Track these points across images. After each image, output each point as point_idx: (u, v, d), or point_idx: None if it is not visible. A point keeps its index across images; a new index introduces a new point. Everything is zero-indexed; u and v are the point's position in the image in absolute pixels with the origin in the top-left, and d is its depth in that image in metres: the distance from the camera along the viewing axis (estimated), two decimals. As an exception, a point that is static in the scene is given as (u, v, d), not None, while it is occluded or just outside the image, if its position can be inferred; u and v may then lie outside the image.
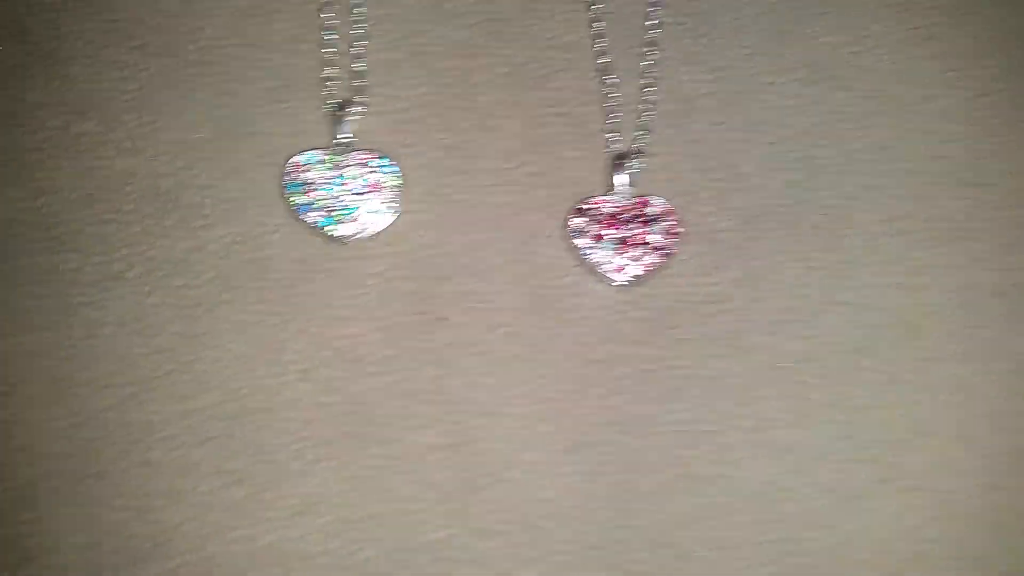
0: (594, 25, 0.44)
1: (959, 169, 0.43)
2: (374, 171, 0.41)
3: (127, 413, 0.37)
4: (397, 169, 0.41)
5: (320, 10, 0.42)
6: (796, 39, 0.44)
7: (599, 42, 0.44)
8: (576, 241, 0.41)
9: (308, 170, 0.40)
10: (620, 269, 0.41)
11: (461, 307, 0.40)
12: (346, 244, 0.40)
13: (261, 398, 0.38)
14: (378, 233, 0.40)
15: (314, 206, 0.40)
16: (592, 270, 0.41)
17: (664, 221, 0.41)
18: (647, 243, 0.41)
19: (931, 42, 0.44)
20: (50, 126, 0.40)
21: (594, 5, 0.44)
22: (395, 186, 0.41)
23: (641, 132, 0.43)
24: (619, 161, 0.42)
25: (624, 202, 0.42)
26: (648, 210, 0.41)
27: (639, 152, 0.42)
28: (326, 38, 0.42)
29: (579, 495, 0.38)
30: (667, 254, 0.41)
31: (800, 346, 0.41)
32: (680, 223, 0.41)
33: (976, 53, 0.44)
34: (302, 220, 0.40)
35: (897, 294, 0.41)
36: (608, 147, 0.42)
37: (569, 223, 0.41)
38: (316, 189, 0.40)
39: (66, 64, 0.41)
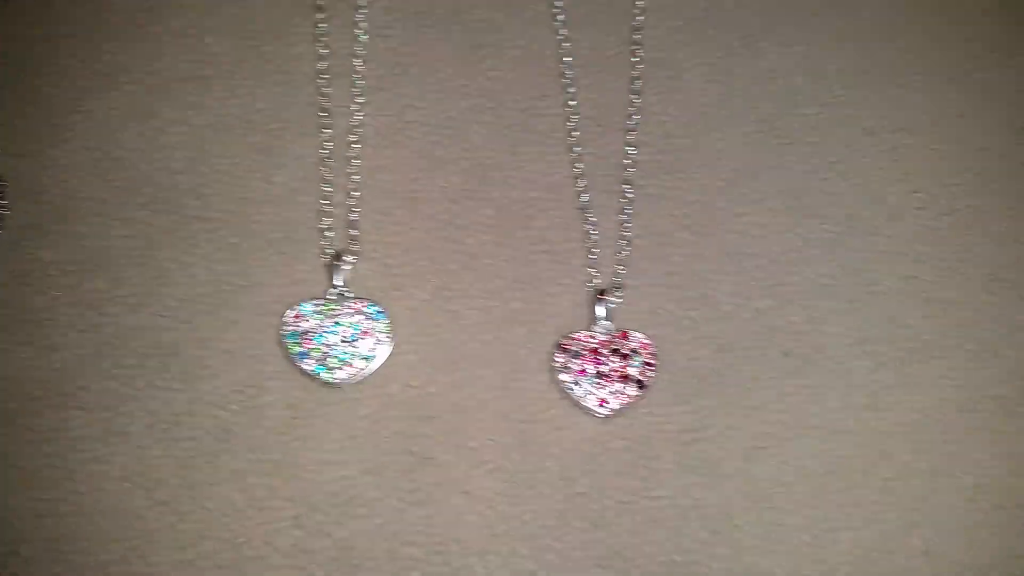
0: (575, 167, 0.40)
1: (928, 288, 0.39)
2: (366, 318, 0.37)
3: (130, 565, 0.34)
4: (386, 315, 0.38)
5: (320, 163, 0.40)
6: (768, 170, 0.41)
7: (579, 182, 0.40)
8: (559, 376, 0.37)
9: (305, 320, 0.37)
10: (602, 402, 0.37)
11: (446, 446, 0.36)
12: (339, 388, 0.37)
13: (256, 545, 0.34)
14: (368, 377, 0.37)
15: (310, 354, 0.37)
16: (575, 404, 0.37)
17: (642, 354, 0.38)
18: (627, 376, 0.37)
19: (898, 164, 0.41)
20: (62, 284, 0.37)
21: (575, 148, 0.41)
22: (385, 331, 0.37)
23: (620, 267, 0.39)
24: (600, 296, 0.39)
25: (604, 336, 0.38)
26: (628, 343, 0.38)
27: (618, 286, 0.39)
28: (324, 190, 0.39)
29: (562, 631, 0.34)
30: (645, 386, 0.37)
31: (772, 472, 0.37)
32: (657, 356, 0.38)
33: (942, 172, 0.41)
34: (298, 367, 0.37)
35: (866, 415, 0.38)
36: (589, 282, 0.39)
37: (553, 359, 0.38)
38: (312, 338, 0.37)
39: (77, 223, 0.38)
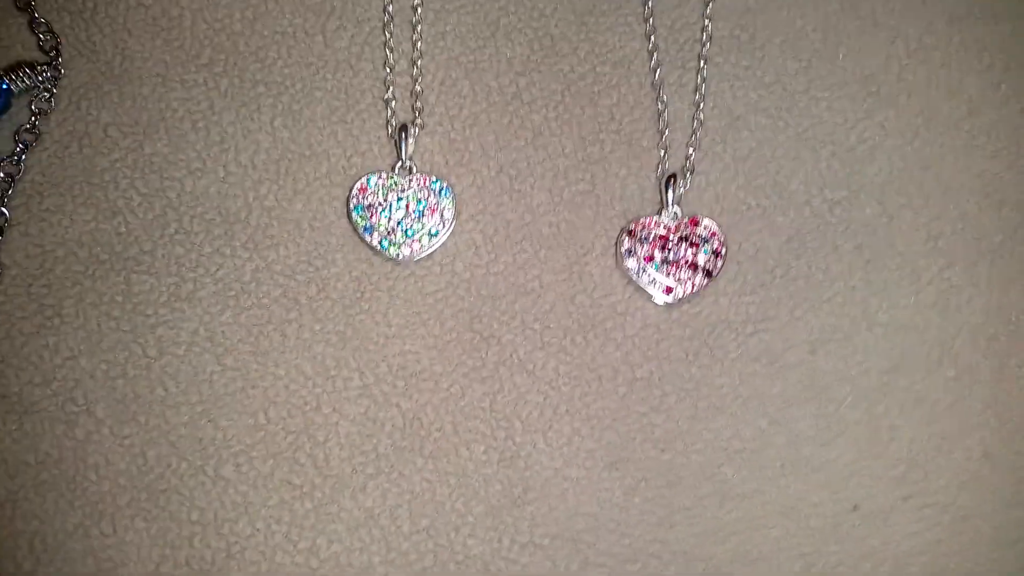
0: (650, 39, 0.40)
1: (1001, 187, 0.39)
2: (432, 194, 0.38)
3: (199, 430, 0.35)
4: (451, 192, 0.38)
5: (384, 27, 0.39)
6: (849, 53, 0.40)
7: (652, 57, 0.40)
8: (626, 263, 0.38)
9: (371, 194, 0.37)
10: (668, 290, 0.38)
11: (511, 326, 0.37)
12: (404, 265, 0.37)
13: (325, 413, 0.36)
14: (434, 254, 0.38)
15: (376, 228, 0.37)
16: (640, 290, 0.38)
17: (712, 243, 0.38)
18: (695, 264, 0.38)
19: (983, 54, 0.40)
20: (122, 146, 0.37)
21: (649, 19, 0.40)
22: (451, 208, 0.38)
23: (691, 150, 0.39)
24: (670, 180, 0.39)
25: (672, 223, 0.38)
26: (697, 231, 0.38)
27: (690, 171, 0.39)
28: (388, 56, 0.39)
29: (619, 510, 0.36)
30: (712, 275, 0.38)
31: (836, 365, 0.38)
32: (726, 244, 0.38)
33: None
34: (364, 241, 0.37)
35: (932, 314, 0.38)
36: (659, 165, 0.39)
37: (620, 244, 0.38)
38: (378, 212, 0.37)
39: (135, 83, 0.38)
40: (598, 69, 0.39)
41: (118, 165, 0.37)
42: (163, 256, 0.36)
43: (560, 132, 0.39)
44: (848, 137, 0.39)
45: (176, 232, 0.36)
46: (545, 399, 0.37)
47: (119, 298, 0.36)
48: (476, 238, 0.38)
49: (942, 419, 0.38)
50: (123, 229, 0.36)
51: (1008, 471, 0.38)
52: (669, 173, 0.39)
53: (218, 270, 0.36)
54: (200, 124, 0.37)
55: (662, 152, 0.39)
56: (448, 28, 0.39)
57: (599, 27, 0.40)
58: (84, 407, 0.35)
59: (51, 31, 0.37)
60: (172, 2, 0.38)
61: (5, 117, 0.37)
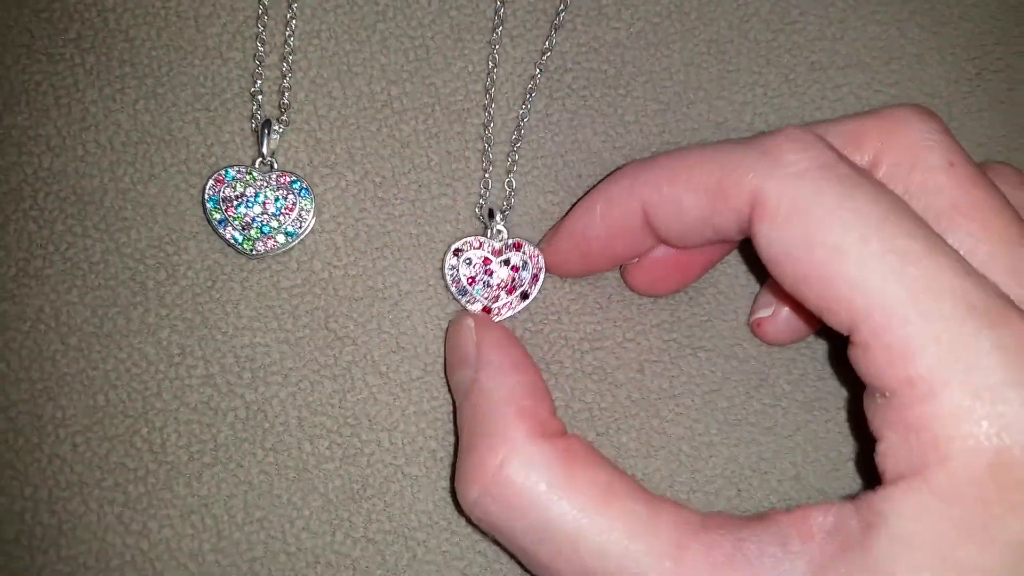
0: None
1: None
2: (291, 193, 0.42)
3: (39, 407, 0.39)
4: (311, 193, 0.43)
5: (258, 19, 0.43)
6: (706, 97, 0.47)
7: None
8: (449, 283, 0.43)
9: (228, 186, 0.42)
10: (487, 311, 0.43)
11: (367, 328, 0.42)
12: (259, 260, 0.42)
13: (165, 399, 0.40)
14: (291, 251, 0.42)
15: (231, 222, 0.42)
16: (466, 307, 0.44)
17: (530, 268, 0.43)
18: (512, 288, 0.44)
19: (836, 104, 0.48)
20: (-21, 115, 0.40)
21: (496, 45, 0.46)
22: (310, 209, 0.43)
23: (512, 179, 0.45)
24: (491, 211, 0.44)
25: (498, 246, 0.44)
26: (519, 254, 0.44)
27: (508, 200, 0.45)
28: (257, 49, 0.43)
29: (451, 508, 0.42)
30: (528, 297, 0.44)
31: (662, 384, 0.45)
32: (543, 270, 0.44)
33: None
34: (217, 233, 0.42)
35: (749, 346, 0.46)
36: (484, 194, 0.45)
37: (445, 263, 0.43)
38: (234, 206, 0.42)
39: (-1, 53, 0.41)
40: (470, 87, 0.45)
41: (-30, 136, 0.40)
42: (14, 231, 0.40)
43: (427, 145, 0.44)
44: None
45: (30, 208, 0.40)
46: (395, 400, 0.42)
47: (-38, 269, 0.39)
48: (336, 239, 0.43)
49: (759, 440, 0.45)
50: (-28, 200, 0.40)
51: (816, 492, 0.46)
52: (488, 206, 0.45)
53: (68, 248, 0.40)
54: (63, 100, 0.41)
55: (485, 176, 0.45)
56: (323, 27, 0.44)
57: (476, 44, 0.45)
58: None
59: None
60: (42, -28, 0.42)
61: None
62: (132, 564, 0.39)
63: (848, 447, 0.46)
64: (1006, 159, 0.48)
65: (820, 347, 0.47)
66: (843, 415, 0.46)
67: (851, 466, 0.45)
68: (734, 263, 0.46)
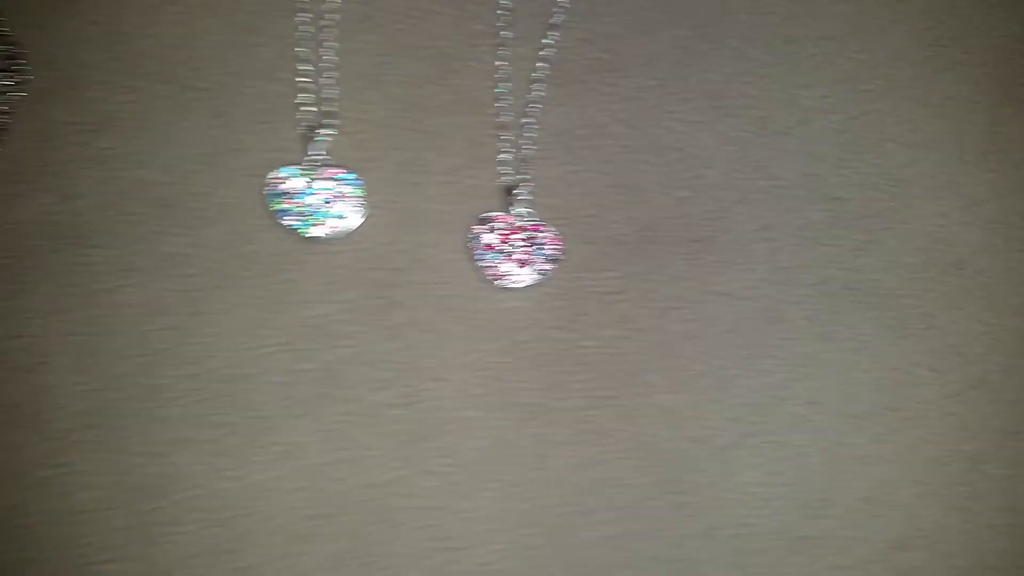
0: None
1: (824, 186, 0.54)
2: (340, 183, 0.50)
3: (142, 378, 0.47)
4: (360, 181, 0.51)
5: (296, 44, 0.52)
6: (696, 71, 0.54)
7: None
8: (471, 245, 0.50)
9: (285, 182, 0.50)
10: (498, 277, 0.51)
11: (414, 294, 0.50)
12: (317, 243, 0.50)
13: (250, 365, 0.48)
14: (344, 234, 0.50)
15: (291, 212, 0.50)
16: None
17: (547, 248, 0.51)
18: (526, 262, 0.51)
19: (813, 71, 0.55)
20: (73, 142, 0.49)
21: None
22: (358, 195, 0.50)
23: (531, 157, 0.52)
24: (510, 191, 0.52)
25: (520, 223, 0.51)
26: (539, 234, 0.51)
27: (525, 181, 0.52)
28: (300, 68, 0.52)
29: (505, 444, 0.49)
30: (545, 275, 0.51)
31: (683, 327, 0.51)
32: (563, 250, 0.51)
33: (853, 78, 0.54)
34: (281, 223, 0.50)
35: (763, 287, 0.52)
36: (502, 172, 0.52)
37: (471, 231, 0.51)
38: (292, 198, 0.50)
39: (87, 88, 0.50)
40: (484, 83, 0.53)
41: (74, 158, 0.49)
42: (111, 234, 0.48)
43: (452, 136, 0.52)
44: (693, 143, 0.54)
45: (121, 214, 0.49)
46: (444, 352, 0.49)
47: (72, 268, 0.48)
48: (380, 220, 0.50)
49: (772, 373, 0.51)
50: (77, 211, 0.48)
51: (829, 415, 0.51)
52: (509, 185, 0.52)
53: (156, 245, 0.49)
54: (141, 123, 0.50)
55: (508, 158, 0.52)
56: (355, 45, 0.52)
57: (486, 48, 0.53)
58: (44, 359, 0.47)
59: (16, 43, 0.49)
60: (119, 20, 0.51)
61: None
62: (233, 505, 0.47)
63: (859, 372, 0.51)
64: (968, 110, 0.54)
65: (835, 281, 0.52)
66: (852, 344, 0.51)
67: (862, 388, 0.51)
68: (741, 219, 0.53)
